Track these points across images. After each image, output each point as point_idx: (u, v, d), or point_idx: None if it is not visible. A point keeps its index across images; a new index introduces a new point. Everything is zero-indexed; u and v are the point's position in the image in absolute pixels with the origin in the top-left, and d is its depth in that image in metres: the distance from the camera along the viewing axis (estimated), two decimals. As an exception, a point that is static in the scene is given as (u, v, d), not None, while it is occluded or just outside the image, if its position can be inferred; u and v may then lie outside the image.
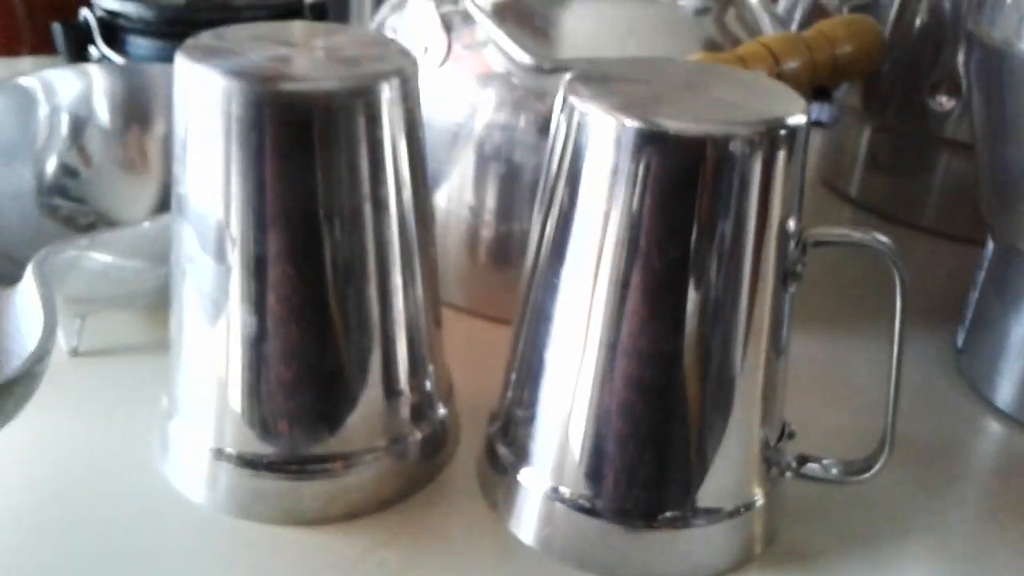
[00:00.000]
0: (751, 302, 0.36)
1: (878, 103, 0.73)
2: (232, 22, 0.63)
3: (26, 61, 0.81)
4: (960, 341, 0.55)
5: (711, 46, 0.52)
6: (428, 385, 0.42)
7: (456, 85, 0.53)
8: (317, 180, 0.35)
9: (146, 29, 0.65)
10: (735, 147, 0.33)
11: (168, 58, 0.64)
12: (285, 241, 0.36)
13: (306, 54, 0.37)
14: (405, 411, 0.41)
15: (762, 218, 0.35)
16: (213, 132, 0.35)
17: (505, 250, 0.54)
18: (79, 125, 0.59)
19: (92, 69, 0.59)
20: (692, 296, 0.35)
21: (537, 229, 0.39)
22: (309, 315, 0.37)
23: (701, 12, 0.53)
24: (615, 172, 0.35)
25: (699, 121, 0.34)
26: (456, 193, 0.55)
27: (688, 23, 0.52)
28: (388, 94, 0.36)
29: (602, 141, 0.35)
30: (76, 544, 0.38)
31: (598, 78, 0.37)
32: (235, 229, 0.36)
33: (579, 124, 0.35)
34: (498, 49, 0.50)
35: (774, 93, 0.37)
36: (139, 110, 0.60)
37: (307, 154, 0.35)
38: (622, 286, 0.35)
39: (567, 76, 0.38)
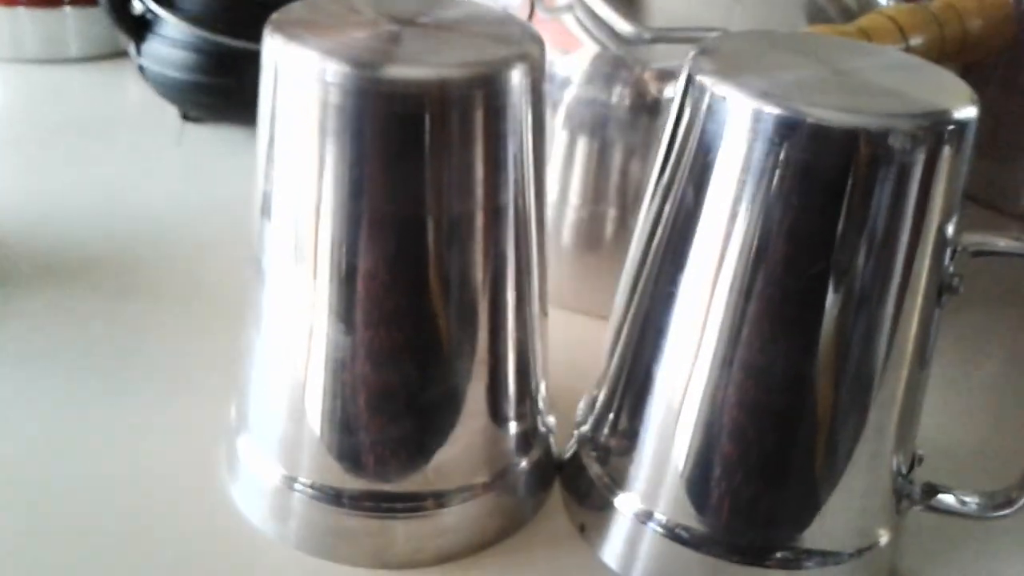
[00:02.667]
0: (897, 321, 0.31)
1: (977, 76, 0.68)
2: None
3: (67, 12, 0.76)
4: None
5: (820, 16, 0.47)
6: (537, 409, 0.38)
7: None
8: (425, 183, 0.30)
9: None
10: (894, 143, 0.29)
11: (216, 15, 0.61)
12: (384, 251, 0.31)
13: (417, 32, 0.31)
14: (511, 441, 0.37)
15: (918, 225, 0.30)
16: (306, 122, 0.30)
17: (593, 237, 0.49)
18: None
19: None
20: (830, 313, 0.30)
21: (647, 227, 0.34)
22: (408, 336, 0.32)
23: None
24: (749, 167, 0.30)
25: (853, 111, 0.29)
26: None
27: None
28: (513, 84, 0.31)
29: (737, 129, 0.30)
30: (127, 566, 0.34)
31: (729, 55, 0.32)
32: (327, 235, 0.31)
33: (709, 108, 0.30)
34: (589, 15, 0.45)
35: (936, 79, 0.32)
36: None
37: (416, 152, 0.30)
38: (747, 296, 0.31)
39: (692, 51, 0.33)
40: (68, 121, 0.69)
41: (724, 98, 0.30)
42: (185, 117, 0.67)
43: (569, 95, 0.48)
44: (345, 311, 0.32)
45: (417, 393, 0.33)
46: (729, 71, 0.31)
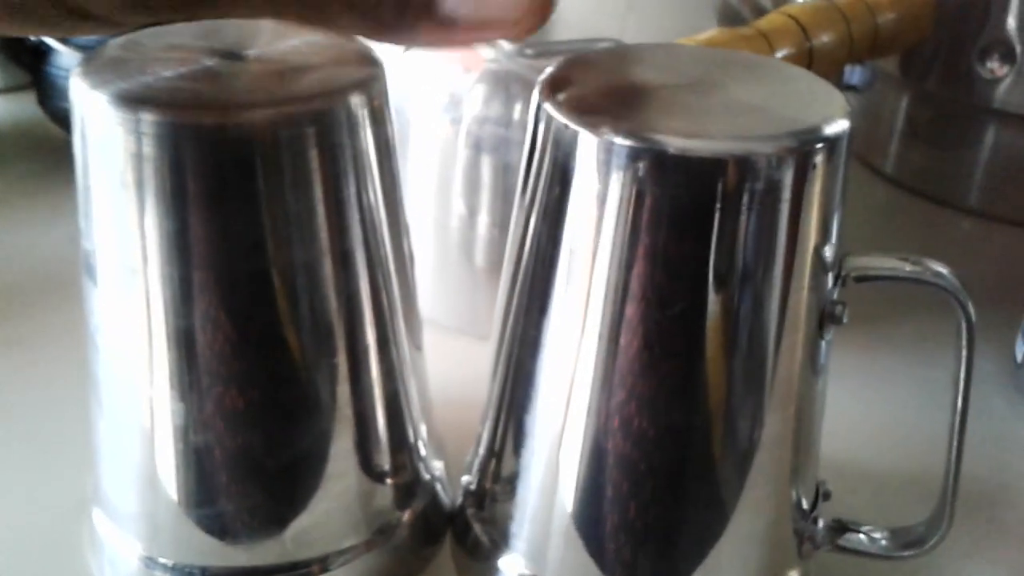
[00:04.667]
0: (777, 359, 0.29)
1: (919, 69, 0.65)
2: None
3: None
4: (1020, 354, 0.47)
5: (728, 18, 0.44)
6: (417, 455, 0.35)
7: (436, 71, 0.45)
8: (259, 234, 0.27)
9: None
10: (758, 169, 0.26)
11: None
12: (219, 309, 0.28)
13: (240, 67, 0.29)
14: (388, 495, 0.34)
15: (790, 255, 0.28)
16: (120, 175, 0.27)
17: (502, 261, 0.47)
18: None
19: None
20: (704, 353, 0.28)
21: (511, 264, 0.32)
22: (254, 398, 0.29)
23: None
24: (603, 202, 0.27)
25: (711, 136, 0.26)
26: (443, 197, 0.47)
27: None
28: (350, 116, 0.28)
29: (585, 162, 0.27)
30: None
31: (580, 76, 0.30)
32: (157, 296, 0.28)
33: (555, 139, 0.28)
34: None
35: (805, 88, 0.29)
36: None
37: (244, 201, 0.27)
38: (614, 343, 0.28)
39: (546, 71, 0.30)
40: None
41: (569, 127, 0.27)
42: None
43: (468, 114, 0.45)
44: (185, 376, 0.29)
45: (270, 457, 0.31)
46: (576, 96, 0.28)
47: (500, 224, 0.47)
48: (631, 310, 0.28)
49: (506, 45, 0.41)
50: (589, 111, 0.27)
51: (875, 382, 0.47)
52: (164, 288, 0.28)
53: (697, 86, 0.29)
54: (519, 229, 0.31)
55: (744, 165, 0.26)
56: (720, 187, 0.26)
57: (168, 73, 0.28)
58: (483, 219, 0.47)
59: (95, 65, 0.28)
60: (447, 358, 0.39)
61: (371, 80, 0.29)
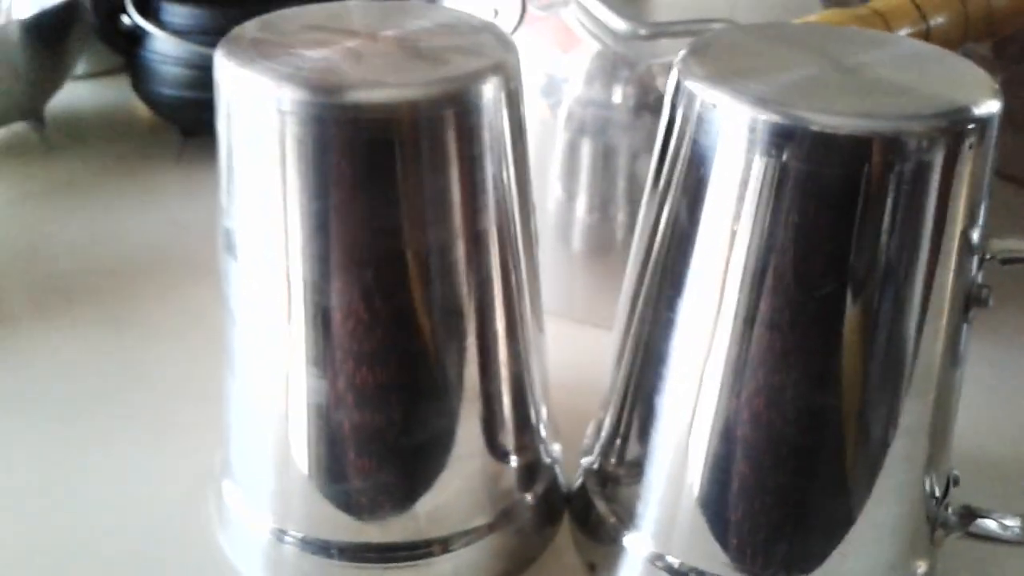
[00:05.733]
0: (920, 340, 0.28)
1: (1014, 51, 0.64)
2: None
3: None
4: None
5: (838, 1, 0.44)
6: (539, 438, 0.35)
7: (533, 53, 0.45)
8: (398, 213, 0.28)
9: (182, -5, 0.58)
10: (908, 148, 0.25)
11: (205, 27, 0.59)
12: (357, 287, 0.28)
13: (379, 48, 0.29)
14: (512, 477, 0.34)
15: (938, 236, 0.27)
16: (264, 154, 0.28)
17: (603, 243, 0.47)
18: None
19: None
20: (845, 336, 0.28)
21: (642, 246, 0.31)
22: (389, 376, 0.30)
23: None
24: (747, 180, 0.27)
25: (860, 115, 0.26)
26: (539, 181, 0.47)
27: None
28: (487, 99, 0.28)
29: (731, 140, 0.27)
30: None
31: (721, 53, 0.29)
32: (297, 274, 0.29)
33: (699, 117, 0.28)
34: (583, 10, 0.43)
35: (954, 71, 0.29)
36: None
37: (383, 181, 0.27)
38: (752, 323, 0.28)
39: (682, 51, 0.30)
40: (65, 143, 0.67)
41: (715, 105, 0.27)
42: (185, 133, 0.65)
43: (569, 95, 0.45)
44: (321, 353, 0.30)
45: (403, 436, 0.31)
46: (721, 74, 0.28)
47: (599, 208, 0.47)
48: (770, 291, 0.27)
49: (615, 25, 0.41)
50: (733, 89, 0.27)
51: (1000, 367, 0.46)
52: (304, 266, 0.29)
53: (838, 65, 0.29)
54: (652, 213, 0.31)
55: (894, 145, 0.25)
56: (868, 167, 0.26)
57: (311, 53, 0.28)
58: (581, 203, 0.47)
59: (238, 46, 0.29)
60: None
61: (507, 62, 0.29)
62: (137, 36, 0.60)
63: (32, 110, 0.65)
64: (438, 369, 0.30)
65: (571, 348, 0.42)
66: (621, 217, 0.46)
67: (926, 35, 0.41)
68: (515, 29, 0.45)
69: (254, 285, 0.30)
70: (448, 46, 0.29)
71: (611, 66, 0.44)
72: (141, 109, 0.68)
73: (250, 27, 0.30)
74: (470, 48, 0.29)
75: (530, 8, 0.45)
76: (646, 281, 0.31)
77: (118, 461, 0.39)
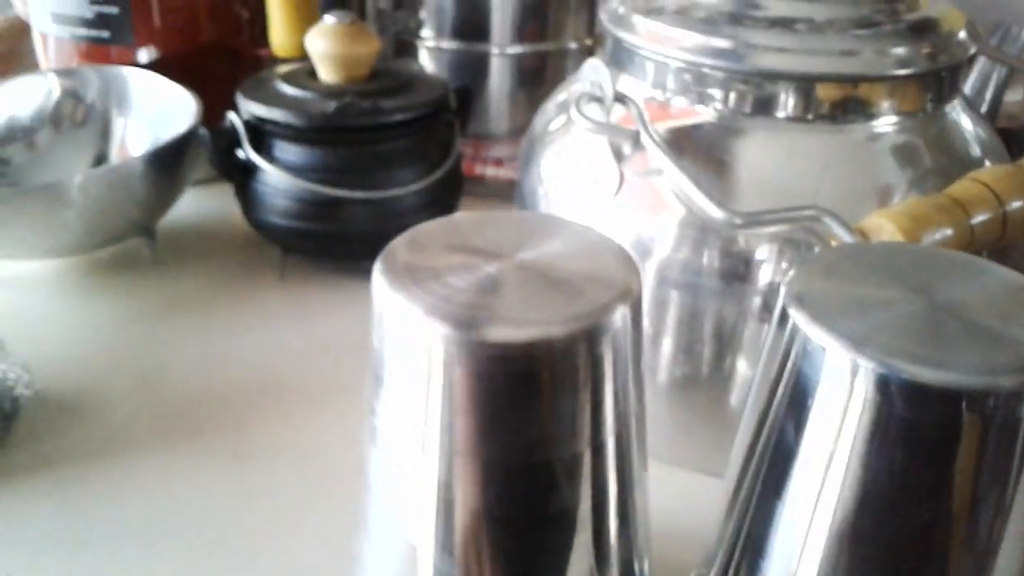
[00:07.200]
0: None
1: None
2: (383, 130, 0.62)
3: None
4: None
5: (917, 180, 0.47)
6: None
7: (628, 215, 0.49)
8: (526, 432, 0.31)
9: (294, 135, 0.63)
10: (997, 402, 0.28)
11: (315, 165, 0.64)
12: (484, 492, 0.32)
13: (515, 274, 0.32)
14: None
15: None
16: (411, 368, 0.32)
17: (686, 394, 0.50)
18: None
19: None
20: (938, 563, 0.30)
21: (747, 439, 0.35)
22: (510, 569, 0.33)
23: (902, 137, 0.47)
24: (846, 414, 0.30)
25: (950, 367, 0.28)
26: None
27: (887, 152, 0.47)
28: (617, 329, 0.32)
29: (832, 375, 0.30)
30: None
31: (822, 283, 0.33)
32: (430, 474, 0.32)
33: (804, 349, 0.31)
34: (683, 197, 0.46)
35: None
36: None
37: (518, 405, 0.31)
38: (845, 537, 0.31)
39: (788, 276, 0.33)
40: (171, 256, 0.72)
41: (822, 348, 0.30)
42: (286, 250, 0.70)
43: (657, 256, 0.48)
44: (448, 542, 0.33)
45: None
46: (824, 312, 0.31)
47: (685, 349, 0.50)
48: (862, 517, 0.30)
49: (711, 213, 0.44)
50: (835, 331, 0.30)
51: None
52: (440, 468, 0.32)
53: (932, 302, 0.31)
54: (758, 409, 0.34)
55: (983, 398, 0.28)
56: (958, 416, 0.29)
57: (456, 281, 0.32)
58: (667, 342, 0.50)
59: (392, 267, 0.33)
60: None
61: (633, 287, 0.32)
62: (249, 168, 0.65)
63: (145, 228, 0.70)
64: (554, 565, 0.34)
65: (660, 488, 0.44)
66: (705, 370, 0.50)
67: (1003, 219, 0.44)
68: (615, 195, 0.49)
69: (392, 470, 0.34)
70: (579, 272, 0.33)
71: (699, 232, 0.47)
72: (242, 220, 0.73)
73: (401, 247, 0.34)
74: (599, 274, 0.33)
75: (627, 175, 0.49)
76: (751, 470, 0.34)
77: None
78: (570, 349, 0.31)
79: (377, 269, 0.33)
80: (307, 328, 0.64)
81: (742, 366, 0.49)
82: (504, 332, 0.30)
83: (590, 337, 0.31)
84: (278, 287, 0.69)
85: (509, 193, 0.83)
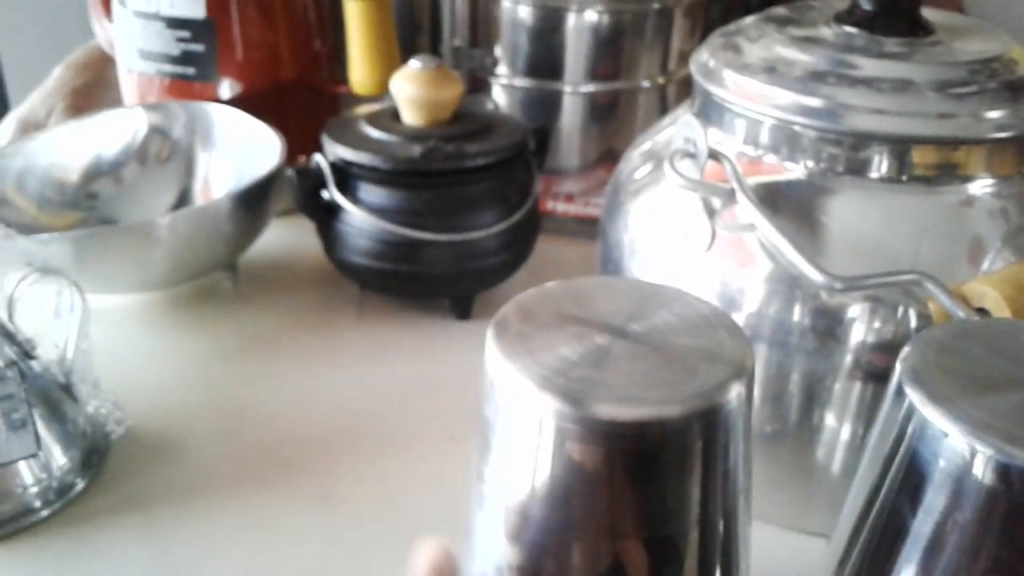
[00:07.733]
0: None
1: None
2: (466, 173, 0.63)
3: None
4: None
5: (1012, 245, 0.46)
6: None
7: (717, 268, 0.49)
8: (633, 509, 0.32)
9: (379, 178, 0.64)
10: None
11: (398, 207, 0.65)
12: (588, 566, 0.32)
13: (626, 347, 0.33)
14: None
15: None
16: (522, 439, 0.32)
17: (774, 449, 0.50)
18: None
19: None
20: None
21: (857, 508, 0.35)
22: None
23: (997, 201, 0.47)
24: (960, 495, 0.30)
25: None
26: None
27: (982, 216, 0.47)
28: (730, 407, 0.32)
29: (948, 456, 0.30)
30: None
31: (941, 359, 0.32)
32: (536, 543, 0.33)
33: (921, 429, 0.31)
34: (780, 257, 0.46)
35: None
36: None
37: (627, 482, 0.31)
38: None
39: (904, 353, 0.33)
40: (252, 291, 0.74)
41: (942, 431, 0.30)
42: (363, 286, 0.71)
43: (746, 310, 0.48)
44: None
45: None
46: (941, 392, 0.31)
47: (772, 404, 0.50)
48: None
49: (813, 277, 0.44)
50: (951, 415, 0.30)
51: None
52: (540, 535, 0.33)
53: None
54: (869, 480, 0.34)
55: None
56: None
57: (566, 352, 0.32)
58: (755, 396, 0.50)
59: (505, 334, 0.33)
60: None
61: (745, 364, 0.32)
62: (332, 209, 0.66)
63: (228, 263, 0.71)
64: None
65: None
66: (792, 419, 0.50)
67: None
68: (708, 249, 0.49)
69: (496, 534, 0.34)
70: (691, 348, 0.33)
71: (788, 288, 0.47)
72: (320, 253, 0.74)
73: (512, 314, 0.34)
74: (712, 351, 0.33)
75: (717, 229, 0.49)
76: (860, 541, 0.34)
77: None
78: (684, 429, 0.31)
79: (490, 336, 0.33)
80: (386, 368, 0.65)
81: (831, 421, 0.49)
82: (617, 410, 0.30)
83: (704, 417, 0.31)
84: (355, 325, 0.70)
85: (579, 229, 0.84)
